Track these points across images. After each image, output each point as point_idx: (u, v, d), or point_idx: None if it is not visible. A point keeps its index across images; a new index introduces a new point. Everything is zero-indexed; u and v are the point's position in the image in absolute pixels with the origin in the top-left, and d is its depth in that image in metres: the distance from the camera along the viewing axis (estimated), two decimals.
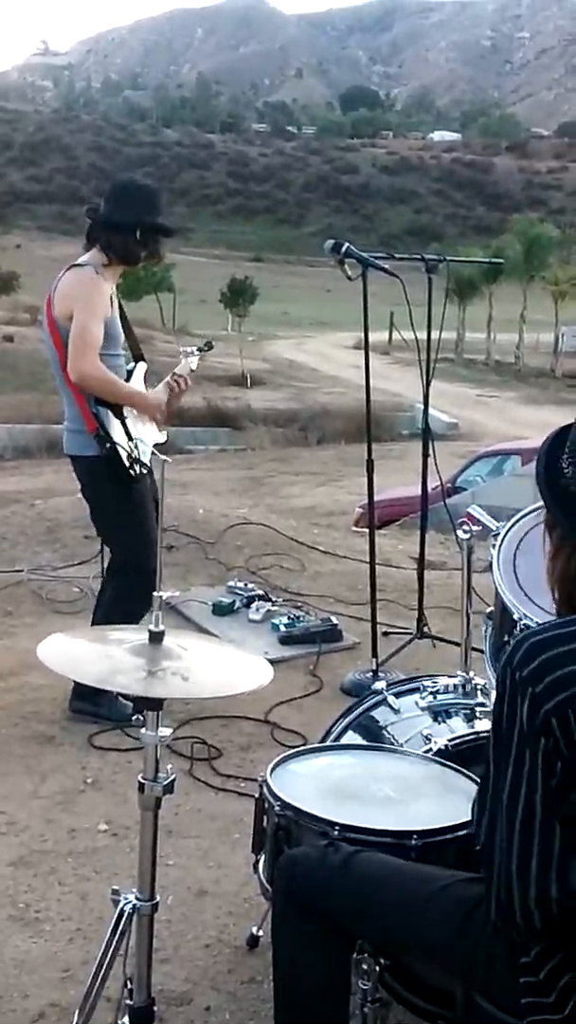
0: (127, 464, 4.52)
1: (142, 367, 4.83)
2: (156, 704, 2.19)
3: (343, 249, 4.80)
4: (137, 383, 4.76)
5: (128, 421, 4.58)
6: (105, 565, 4.95)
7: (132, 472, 4.54)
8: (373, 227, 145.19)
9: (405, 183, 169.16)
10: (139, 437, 4.63)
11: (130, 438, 4.56)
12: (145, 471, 4.63)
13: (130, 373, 4.76)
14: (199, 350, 5.06)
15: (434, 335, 5.21)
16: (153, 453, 4.70)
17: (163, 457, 2.40)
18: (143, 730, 2.23)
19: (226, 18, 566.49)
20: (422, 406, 5.35)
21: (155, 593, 2.32)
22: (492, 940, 1.90)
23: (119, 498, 4.58)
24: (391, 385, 32.78)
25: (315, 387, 42.85)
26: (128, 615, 4.13)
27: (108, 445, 4.48)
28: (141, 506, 4.63)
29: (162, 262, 5.11)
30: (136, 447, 4.59)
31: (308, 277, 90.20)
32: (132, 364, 4.81)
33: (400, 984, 2.16)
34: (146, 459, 4.64)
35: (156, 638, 2.27)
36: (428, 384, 5.20)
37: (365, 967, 2.11)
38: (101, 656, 2.25)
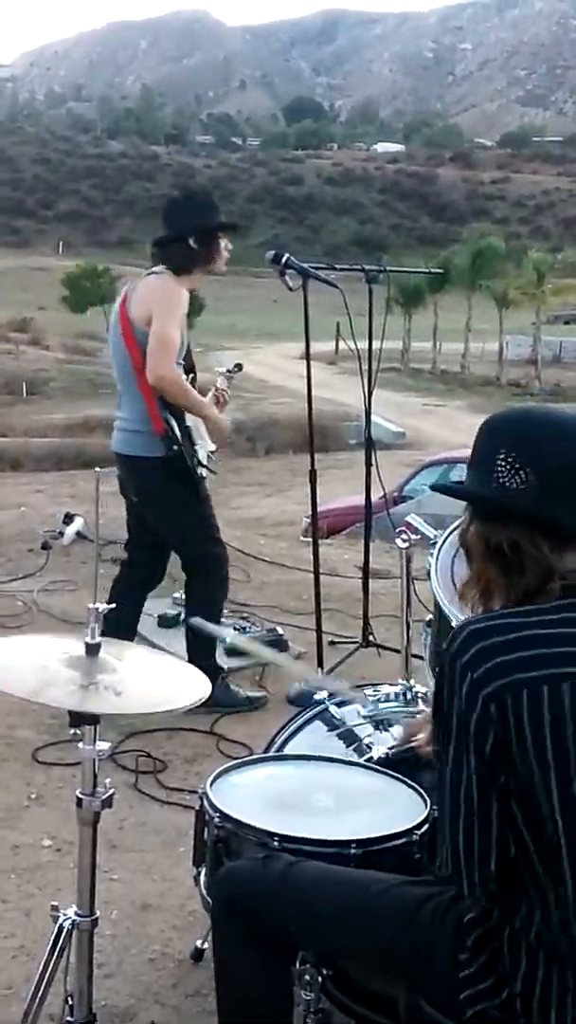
0: (192, 466, 4.65)
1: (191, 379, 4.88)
2: (91, 718, 2.18)
3: (283, 260, 4.82)
4: None
5: (190, 427, 4.70)
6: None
7: (195, 474, 4.68)
8: (319, 238, 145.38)
9: (350, 194, 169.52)
10: (199, 442, 4.76)
11: (192, 442, 4.69)
12: (205, 474, 4.78)
13: None
14: (229, 371, 5.20)
15: (377, 345, 5.24)
16: (210, 458, 4.85)
17: (99, 470, 2.39)
18: (80, 744, 2.22)
19: (169, 30, 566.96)
20: None
21: (91, 605, 2.30)
22: (432, 940, 1.92)
23: (186, 494, 4.69)
24: (338, 395, 32.78)
25: (263, 397, 42.79)
26: (217, 606, 4.76)
27: (176, 448, 4.58)
28: (206, 500, 4.82)
29: (221, 260, 5.07)
30: (197, 451, 4.72)
31: (254, 288, 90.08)
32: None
33: (343, 993, 2.15)
34: (206, 463, 4.79)
35: (92, 650, 2.25)
36: (370, 394, 5.23)
37: (307, 977, 2.11)
38: (35, 668, 2.21)
